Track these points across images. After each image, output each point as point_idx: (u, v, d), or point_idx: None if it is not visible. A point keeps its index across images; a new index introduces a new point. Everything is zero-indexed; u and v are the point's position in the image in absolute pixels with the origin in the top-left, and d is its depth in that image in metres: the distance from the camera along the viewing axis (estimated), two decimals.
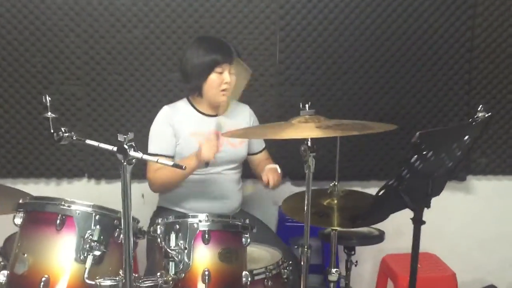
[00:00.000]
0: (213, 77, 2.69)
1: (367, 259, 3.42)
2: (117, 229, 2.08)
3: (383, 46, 3.26)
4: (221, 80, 2.69)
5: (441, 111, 3.32)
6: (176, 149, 2.77)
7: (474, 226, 3.49)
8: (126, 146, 1.84)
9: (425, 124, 3.29)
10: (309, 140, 2.00)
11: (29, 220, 2.05)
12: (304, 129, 2.03)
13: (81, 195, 3.28)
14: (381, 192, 1.97)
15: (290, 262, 2.31)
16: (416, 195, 2.02)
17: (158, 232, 2.07)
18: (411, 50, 3.26)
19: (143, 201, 3.41)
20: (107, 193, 3.36)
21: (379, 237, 2.63)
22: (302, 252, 2.11)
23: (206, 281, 1.97)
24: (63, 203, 2.03)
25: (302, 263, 2.11)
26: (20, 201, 2.10)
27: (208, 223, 2.07)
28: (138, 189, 3.36)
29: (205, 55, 2.69)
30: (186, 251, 1.99)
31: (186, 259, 1.97)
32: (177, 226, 2.04)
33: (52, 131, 1.99)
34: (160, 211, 2.89)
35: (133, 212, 3.21)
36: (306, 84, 3.27)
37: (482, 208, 3.46)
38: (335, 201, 2.37)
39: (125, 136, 1.83)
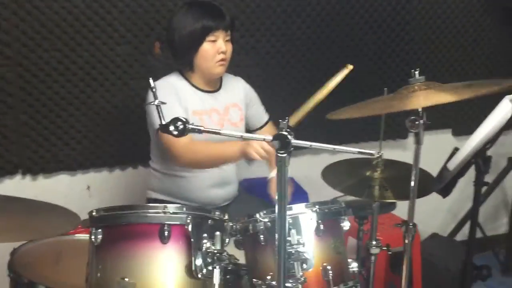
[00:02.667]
0: (205, 47, 2.41)
1: None
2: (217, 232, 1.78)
3: None
4: (216, 50, 2.42)
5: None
6: None
7: None
8: (285, 133, 1.50)
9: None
10: (420, 110, 1.90)
11: (117, 237, 1.70)
12: (429, 96, 1.91)
13: (14, 195, 2.81)
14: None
15: None
16: None
17: (262, 228, 1.83)
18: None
19: (89, 193, 3.01)
20: (46, 190, 2.88)
21: (393, 205, 2.64)
22: (406, 230, 2.05)
23: (330, 276, 1.81)
24: (161, 211, 1.69)
25: (406, 241, 2.04)
26: (94, 213, 1.70)
27: (316, 213, 1.88)
28: (83, 180, 3.01)
29: (194, 23, 2.40)
30: (304, 247, 1.79)
31: (307, 256, 1.77)
32: (290, 220, 1.81)
33: (163, 122, 1.63)
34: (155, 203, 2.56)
35: (80, 206, 2.91)
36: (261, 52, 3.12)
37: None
38: (378, 172, 2.32)
39: (284, 122, 1.52)
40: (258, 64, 3.14)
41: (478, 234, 3.50)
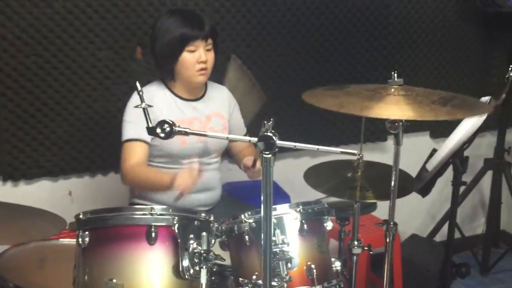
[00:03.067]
0: (185, 56, 2.42)
1: None
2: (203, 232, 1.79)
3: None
4: (195, 59, 2.42)
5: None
6: (154, 140, 2.45)
7: None
8: (270, 134, 1.53)
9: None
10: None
11: (104, 239, 1.71)
12: (403, 106, 1.93)
13: None
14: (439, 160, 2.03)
15: None
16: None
17: (247, 229, 1.85)
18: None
19: (70, 199, 3.01)
20: (27, 196, 2.88)
21: (373, 206, 2.68)
22: (387, 229, 2.08)
23: (314, 275, 1.84)
24: (147, 212, 1.70)
25: (387, 240, 2.08)
26: (81, 216, 1.71)
27: (300, 213, 1.92)
28: (65, 186, 3.01)
29: (173, 32, 2.40)
30: (289, 246, 1.82)
31: (292, 255, 1.79)
32: (275, 221, 1.84)
33: (150, 125, 1.65)
34: None
35: (62, 212, 2.90)
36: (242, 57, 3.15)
37: None
38: (359, 173, 2.36)
39: (269, 123, 1.55)
40: None
41: (457, 235, 3.55)
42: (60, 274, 2.19)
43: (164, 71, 2.50)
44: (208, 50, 2.46)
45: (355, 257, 2.42)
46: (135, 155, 2.43)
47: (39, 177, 2.91)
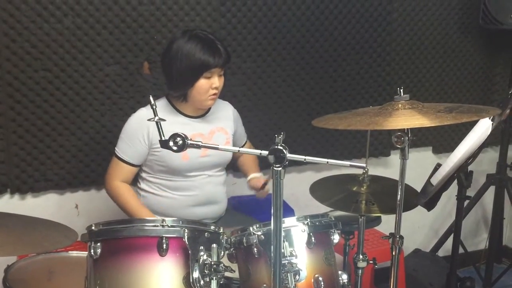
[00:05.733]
0: (201, 82, 2.46)
1: None
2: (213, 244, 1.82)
3: (321, 35, 3.33)
4: (210, 85, 2.47)
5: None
6: (155, 157, 2.53)
7: None
8: (281, 147, 1.56)
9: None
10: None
11: (116, 250, 1.74)
12: (413, 118, 1.97)
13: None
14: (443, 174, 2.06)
15: None
16: None
17: (255, 241, 1.88)
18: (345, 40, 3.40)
19: (77, 212, 3.03)
20: (34, 209, 2.91)
21: (377, 221, 2.71)
22: (393, 242, 2.10)
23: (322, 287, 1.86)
24: (158, 224, 1.73)
25: (393, 253, 2.10)
26: (93, 228, 1.73)
27: (308, 225, 1.94)
28: (72, 199, 3.04)
29: (192, 58, 2.42)
30: (297, 258, 1.84)
31: (300, 267, 1.81)
32: (283, 233, 1.86)
33: (163, 138, 1.67)
34: None
35: (68, 224, 2.93)
36: (247, 72, 3.19)
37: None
38: (364, 187, 2.39)
39: (280, 137, 1.58)
40: (244, 84, 3.20)
41: (460, 250, 3.58)
42: (68, 286, 2.22)
43: (178, 94, 2.54)
44: (220, 76, 2.51)
45: (360, 271, 2.44)
46: (121, 174, 2.56)
47: (46, 190, 2.94)
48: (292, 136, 3.35)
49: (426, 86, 3.72)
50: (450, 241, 3.45)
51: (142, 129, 2.48)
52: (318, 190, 2.44)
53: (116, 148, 2.56)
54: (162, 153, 2.49)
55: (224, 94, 2.87)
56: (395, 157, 3.68)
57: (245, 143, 2.87)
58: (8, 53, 2.70)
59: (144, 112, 2.52)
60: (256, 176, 2.69)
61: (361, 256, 2.44)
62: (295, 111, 3.32)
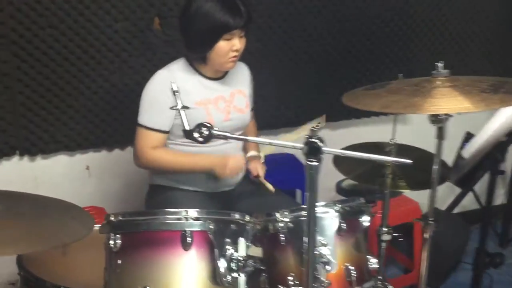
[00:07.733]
0: (220, 44, 2.30)
1: None
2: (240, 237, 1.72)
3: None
4: (230, 47, 2.31)
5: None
6: (180, 120, 2.36)
7: None
8: (316, 140, 1.44)
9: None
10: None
11: (137, 243, 1.65)
12: (453, 99, 1.78)
13: (12, 177, 2.75)
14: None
15: None
16: None
17: (285, 229, 1.78)
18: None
19: (88, 173, 2.94)
20: (44, 171, 2.83)
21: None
22: (426, 225, 2.02)
23: (353, 277, 1.78)
24: (182, 216, 1.64)
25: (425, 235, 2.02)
26: (112, 218, 1.63)
27: (339, 212, 1.84)
28: (82, 160, 2.94)
29: (212, 19, 2.25)
30: (327, 247, 1.75)
31: (330, 258, 1.73)
32: None
33: (187, 128, 1.55)
34: (157, 190, 2.51)
35: (80, 186, 2.83)
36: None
37: None
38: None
39: (317, 125, 1.44)
40: (265, 67, 3.04)
41: (475, 206, 3.52)
42: (83, 262, 2.16)
43: (197, 56, 2.39)
44: (241, 37, 2.35)
45: (384, 244, 2.36)
46: (153, 143, 2.38)
47: (56, 152, 2.82)
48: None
49: (466, 60, 3.61)
50: (466, 198, 3.42)
51: (166, 91, 2.32)
52: (342, 162, 2.30)
53: (139, 120, 2.38)
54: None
55: None
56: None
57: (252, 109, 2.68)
58: (12, 9, 2.52)
59: (163, 74, 2.38)
60: (253, 155, 2.57)
61: (385, 229, 2.35)
62: (317, 94, 3.22)
